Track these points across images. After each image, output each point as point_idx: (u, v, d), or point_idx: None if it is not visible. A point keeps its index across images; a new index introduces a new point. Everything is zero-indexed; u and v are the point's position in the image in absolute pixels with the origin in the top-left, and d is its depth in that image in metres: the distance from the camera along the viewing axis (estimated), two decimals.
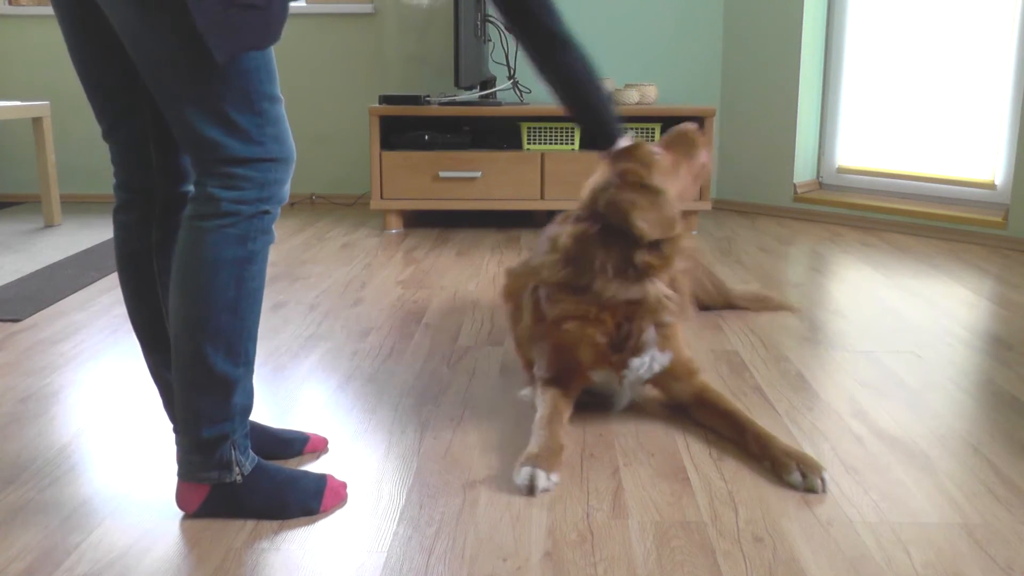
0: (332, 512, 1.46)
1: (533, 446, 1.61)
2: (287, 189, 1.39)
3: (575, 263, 1.75)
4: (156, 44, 1.24)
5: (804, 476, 1.54)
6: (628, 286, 1.72)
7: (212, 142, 1.29)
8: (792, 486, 1.54)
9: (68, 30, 1.38)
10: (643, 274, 1.72)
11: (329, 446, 1.72)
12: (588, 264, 1.73)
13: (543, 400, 1.75)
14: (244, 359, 1.38)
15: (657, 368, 1.78)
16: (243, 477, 1.42)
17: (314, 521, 1.44)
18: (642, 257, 1.71)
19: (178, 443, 1.42)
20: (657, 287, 1.74)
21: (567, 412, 1.76)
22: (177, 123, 1.31)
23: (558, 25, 1.68)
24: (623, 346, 1.76)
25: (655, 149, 1.82)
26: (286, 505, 1.44)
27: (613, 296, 1.71)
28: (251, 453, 1.45)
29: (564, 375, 1.80)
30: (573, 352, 1.77)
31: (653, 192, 1.74)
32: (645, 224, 1.70)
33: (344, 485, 1.52)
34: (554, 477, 1.55)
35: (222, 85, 1.27)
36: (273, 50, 1.33)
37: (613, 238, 1.73)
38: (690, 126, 1.91)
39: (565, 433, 1.69)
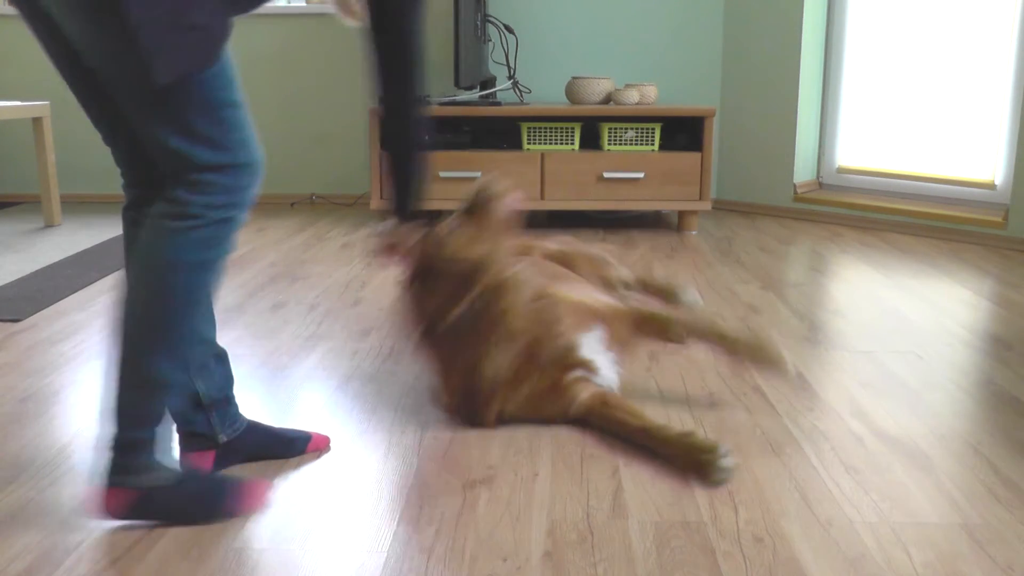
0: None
1: None
2: (254, 194, 1.38)
3: None
4: (114, 60, 1.24)
5: None
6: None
7: (178, 153, 1.29)
8: None
9: (46, 47, 1.37)
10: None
11: (331, 445, 1.72)
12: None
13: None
14: (183, 364, 1.38)
15: None
16: (167, 482, 1.40)
17: (314, 521, 1.44)
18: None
19: (109, 446, 1.39)
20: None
21: None
22: (143, 135, 1.31)
23: (412, 96, 1.63)
24: None
25: (450, 224, 1.82)
26: (214, 508, 1.43)
27: None
28: (175, 458, 1.43)
29: None
30: None
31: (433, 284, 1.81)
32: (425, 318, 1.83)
33: (267, 486, 1.51)
34: None
35: (183, 97, 1.26)
36: (231, 55, 1.32)
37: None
38: (484, 182, 1.86)
39: None
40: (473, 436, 1.76)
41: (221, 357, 1.58)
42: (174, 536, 1.39)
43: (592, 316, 1.89)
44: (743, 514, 1.46)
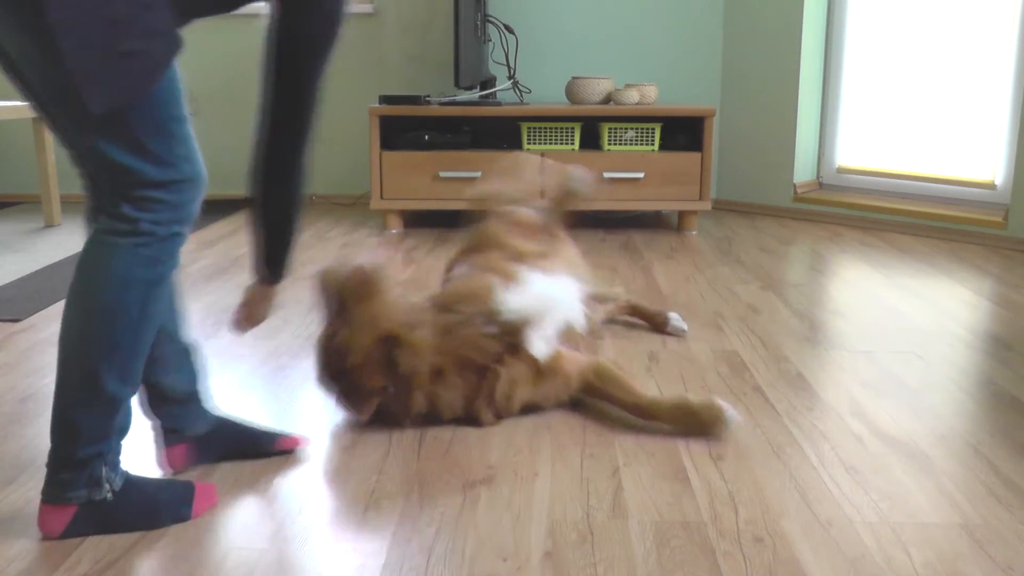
0: (205, 515, 1.45)
1: None
2: (198, 208, 1.37)
3: None
4: (58, 76, 1.20)
5: None
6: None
7: (125, 168, 1.27)
8: None
9: (7, 77, 1.35)
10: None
11: (302, 447, 1.70)
12: None
13: None
14: (132, 381, 1.36)
15: None
16: (113, 494, 1.39)
17: (314, 521, 1.44)
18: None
19: (48, 461, 1.37)
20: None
21: None
22: (88, 152, 1.29)
23: (300, 149, 1.52)
24: None
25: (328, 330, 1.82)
26: (157, 515, 1.42)
27: None
28: (121, 469, 1.42)
29: None
30: None
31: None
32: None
33: (213, 488, 1.50)
34: None
35: (130, 111, 1.25)
36: (177, 69, 1.30)
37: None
38: (352, 269, 1.84)
39: None
40: (473, 436, 1.76)
41: (189, 351, 1.57)
42: (174, 536, 1.39)
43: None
44: (743, 514, 1.46)
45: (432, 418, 1.84)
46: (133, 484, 1.42)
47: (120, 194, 1.30)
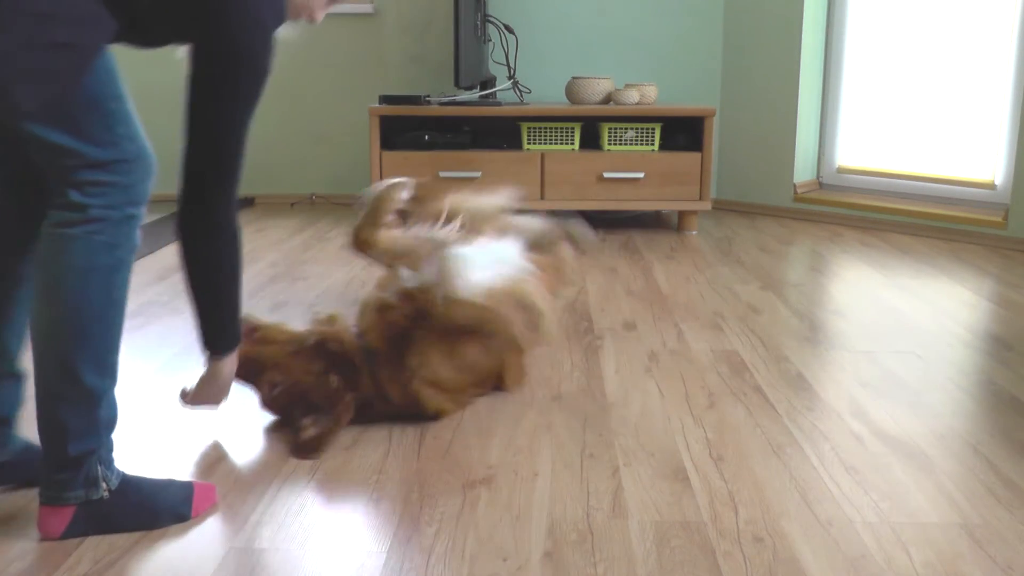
0: (205, 515, 1.45)
1: None
2: (150, 188, 1.35)
3: None
4: None
5: None
6: None
7: (64, 149, 1.26)
8: None
9: None
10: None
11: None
12: None
13: None
14: (110, 371, 1.35)
15: None
16: (110, 492, 1.38)
17: (314, 521, 1.44)
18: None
19: (42, 464, 1.36)
20: None
21: None
22: (26, 137, 1.26)
23: (220, 208, 1.46)
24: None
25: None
26: (157, 515, 1.41)
27: None
28: (116, 468, 1.41)
29: None
30: None
31: None
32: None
33: (213, 488, 1.50)
34: None
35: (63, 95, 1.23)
36: (111, 49, 1.27)
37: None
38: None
39: None
40: (473, 436, 1.76)
41: (20, 378, 1.51)
42: (174, 536, 1.39)
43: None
44: (743, 514, 1.46)
45: (431, 418, 1.84)
46: (131, 484, 1.42)
47: (65, 180, 1.28)
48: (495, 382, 1.97)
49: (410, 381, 1.79)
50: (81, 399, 1.33)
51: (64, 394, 1.32)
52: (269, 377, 1.76)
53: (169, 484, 1.46)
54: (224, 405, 1.74)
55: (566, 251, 2.13)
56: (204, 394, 1.67)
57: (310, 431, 1.70)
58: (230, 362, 1.63)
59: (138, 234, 1.35)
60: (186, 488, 1.46)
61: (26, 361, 1.46)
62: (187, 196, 1.43)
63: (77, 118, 1.25)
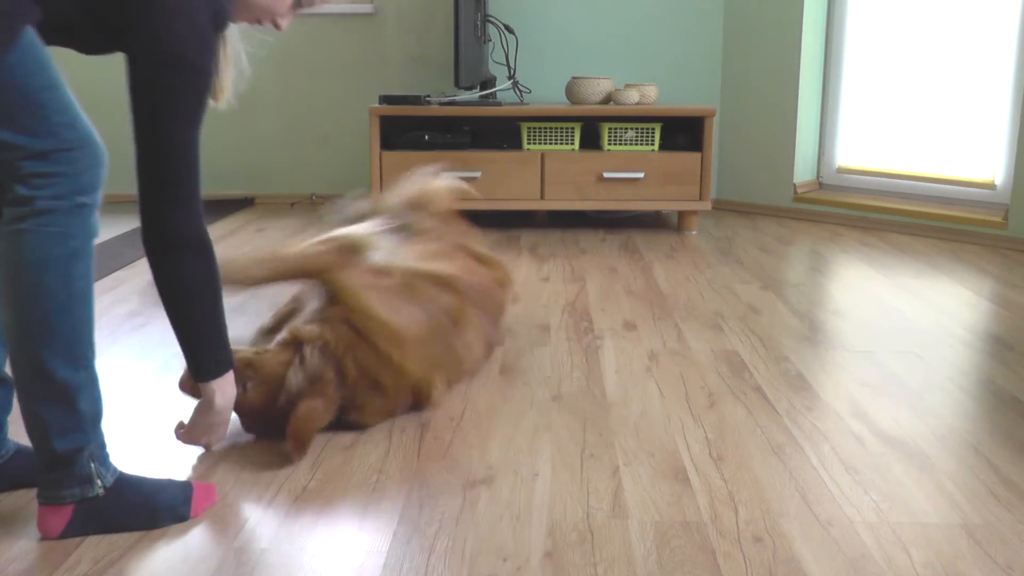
0: (205, 515, 1.44)
1: None
2: (101, 175, 1.33)
3: None
4: None
5: None
6: None
7: (1, 143, 1.25)
8: None
9: None
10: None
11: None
12: None
13: None
14: (84, 363, 1.33)
15: None
16: (105, 490, 1.37)
17: (314, 521, 1.44)
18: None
19: (36, 466, 1.36)
20: None
21: None
22: None
23: (178, 223, 1.43)
24: None
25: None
26: (156, 514, 1.41)
27: None
28: (112, 465, 1.40)
29: None
30: None
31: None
32: None
33: (213, 488, 1.49)
34: None
35: None
36: (36, 38, 1.26)
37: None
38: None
39: None
40: (473, 436, 1.77)
41: (4, 382, 1.48)
42: (174, 536, 1.39)
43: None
44: (743, 514, 1.46)
45: (432, 418, 1.84)
46: (129, 483, 1.42)
47: (10, 175, 1.27)
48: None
49: (404, 361, 1.77)
50: (57, 395, 1.31)
51: (39, 391, 1.31)
52: (240, 376, 1.66)
53: (168, 484, 1.46)
54: (221, 445, 1.69)
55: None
56: (197, 429, 1.62)
57: (300, 409, 1.64)
58: (221, 393, 1.56)
59: (95, 222, 1.33)
60: (185, 488, 1.46)
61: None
62: (142, 211, 1.40)
63: (8, 111, 1.24)
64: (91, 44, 1.41)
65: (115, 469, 1.41)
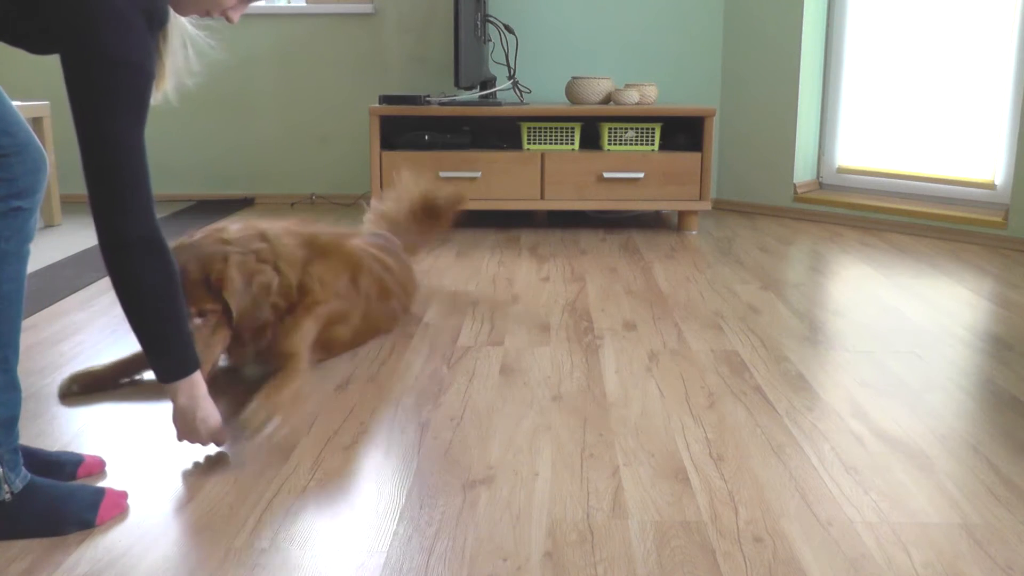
0: (114, 523, 1.43)
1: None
2: (38, 180, 1.33)
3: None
4: None
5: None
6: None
7: None
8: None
9: None
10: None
11: (106, 468, 1.62)
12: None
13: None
14: (4, 366, 1.32)
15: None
16: (12, 495, 1.35)
17: (314, 521, 1.44)
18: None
19: None
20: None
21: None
22: None
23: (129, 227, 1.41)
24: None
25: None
26: (61, 521, 1.38)
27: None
28: (23, 470, 1.38)
29: None
30: None
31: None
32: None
33: (124, 495, 1.47)
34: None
35: None
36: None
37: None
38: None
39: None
40: (473, 436, 1.77)
41: None
42: (174, 536, 1.39)
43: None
44: (743, 514, 1.46)
45: (432, 418, 1.84)
46: (38, 489, 1.39)
47: None
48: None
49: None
50: None
51: None
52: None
53: (79, 489, 1.43)
54: (208, 448, 1.67)
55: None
56: (182, 434, 1.60)
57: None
58: (184, 394, 1.54)
59: (32, 226, 1.33)
60: (96, 494, 1.43)
61: None
62: (93, 214, 1.39)
63: None
64: (39, 45, 1.41)
65: (26, 475, 1.38)
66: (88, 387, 2.00)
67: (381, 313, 2.35)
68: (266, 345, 1.99)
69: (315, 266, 2.09)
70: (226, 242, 1.95)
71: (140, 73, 1.37)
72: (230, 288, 1.88)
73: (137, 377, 2.06)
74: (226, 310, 1.89)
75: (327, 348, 2.16)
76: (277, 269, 1.99)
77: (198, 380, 1.57)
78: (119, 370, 2.04)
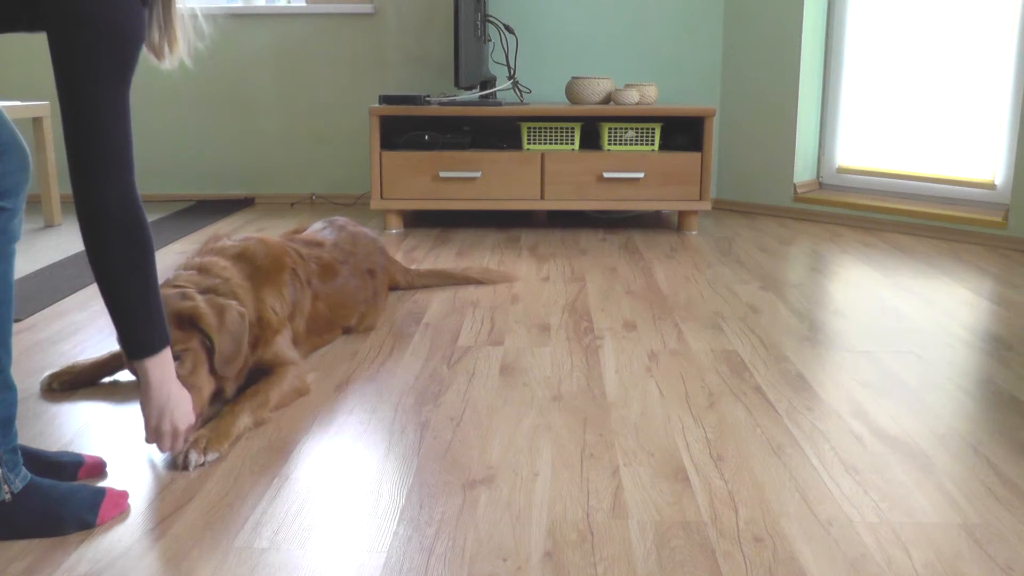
0: (114, 523, 1.43)
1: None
2: (21, 180, 1.32)
3: None
4: None
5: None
6: None
7: None
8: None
9: None
10: None
11: (107, 469, 1.62)
12: None
13: None
14: None
15: None
16: (12, 496, 1.34)
17: (314, 521, 1.44)
18: None
19: None
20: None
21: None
22: None
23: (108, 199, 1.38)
24: None
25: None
26: (61, 521, 1.38)
27: None
28: (23, 470, 1.37)
29: None
30: None
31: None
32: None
33: (124, 495, 1.46)
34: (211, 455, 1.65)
35: None
36: None
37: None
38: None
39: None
40: (473, 436, 1.77)
41: None
42: (174, 536, 1.39)
43: None
44: (743, 514, 1.46)
45: (432, 418, 1.84)
46: (36, 487, 1.39)
47: None
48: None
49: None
50: None
51: None
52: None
53: (79, 489, 1.43)
54: (175, 445, 1.61)
55: None
56: (151, 421, 1.55)
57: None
58: (153, 374, 1.49)
59: (16, 226, 1.32)
60: (96, 494, 1.43)
61: None
62: (72, 184, 1.35)
63: None
64: (32, 22, 1.38)
65: (26, 475, 1.38)
66: (68, 384, 2.00)
67: (336, 292, 2.32)
68: (243, 383, 1.91)
69: (264, 293, 2.00)
70: (176, 286, 1.83)
71: (123, 36, 1.33)
72: (207, 321, 1.75)
73: (118, 376, 2.07)
74: (201, 346, 1.76)
75: (296, 343, 2.14)
76: (237, 298, 1.89)
77: (167, 359, 1.52)
78: (99, 368, 2.04)
